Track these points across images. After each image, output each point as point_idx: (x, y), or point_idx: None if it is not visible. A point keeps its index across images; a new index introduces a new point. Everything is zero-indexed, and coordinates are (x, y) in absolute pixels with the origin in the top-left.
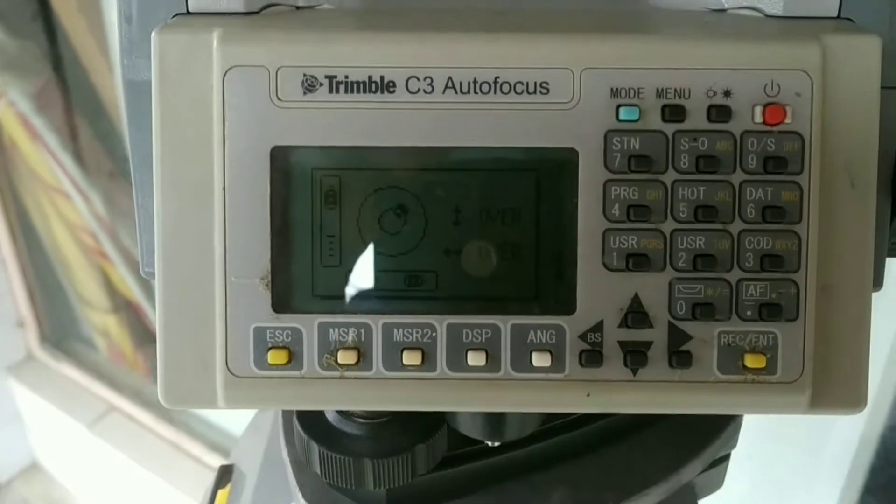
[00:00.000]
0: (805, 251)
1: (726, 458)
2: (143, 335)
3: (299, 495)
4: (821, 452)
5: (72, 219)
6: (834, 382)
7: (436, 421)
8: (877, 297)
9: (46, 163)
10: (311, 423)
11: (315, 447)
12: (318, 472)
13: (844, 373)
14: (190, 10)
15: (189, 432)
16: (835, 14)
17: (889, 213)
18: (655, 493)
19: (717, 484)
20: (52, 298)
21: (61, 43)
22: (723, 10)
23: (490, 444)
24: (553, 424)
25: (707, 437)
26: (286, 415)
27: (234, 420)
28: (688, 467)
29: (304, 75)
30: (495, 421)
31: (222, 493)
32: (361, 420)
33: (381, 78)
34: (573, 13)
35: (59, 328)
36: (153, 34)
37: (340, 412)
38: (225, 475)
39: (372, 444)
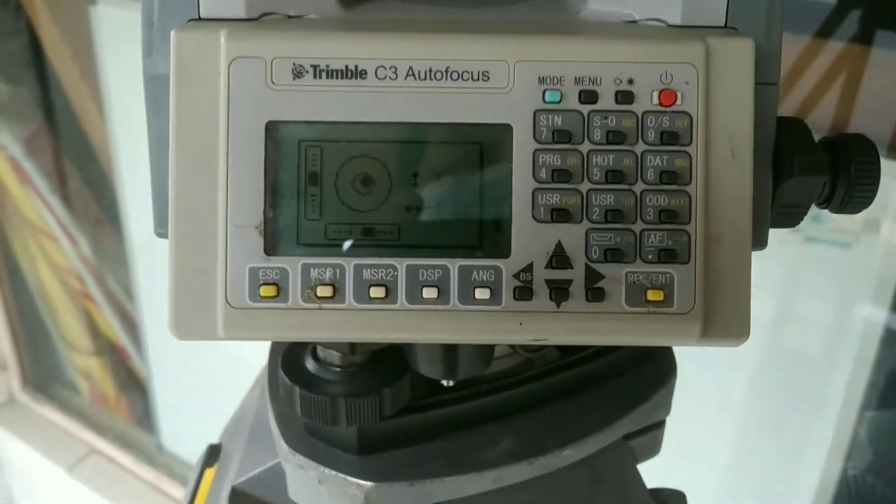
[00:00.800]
0: (695, 207)
1: (661, 423)
2: (126, 379)
3: (282, 442)
4: None
5: (58, 261)
6: (721, 317)
7: (401, 369)
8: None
9: (35, 206)
10: (294, 372)
11: (297, 391)
12: (300, 412)
13: (730, 309)
14: (201, 16)
15: (170, 474)
16: (722, 24)
17: (771, 184)
18: (590, 442)
19: (654, 450)
20: (36, 341)
21: (53, 90)
22: (634, 22)
23: (446, 384)
24: (505, 381)
25: (638, 399)
26: (272, 378)
27: None
28: (621, 422)
29: (294, 64)
30: (449, 360)
31: (209, 472)
32: (337, 368)
33: (356, 67)
34: (511, 22)
35: (41, 371)
36: (172, 33)
37: (318, 362)
38: (212, 455)
39: (346, 387)
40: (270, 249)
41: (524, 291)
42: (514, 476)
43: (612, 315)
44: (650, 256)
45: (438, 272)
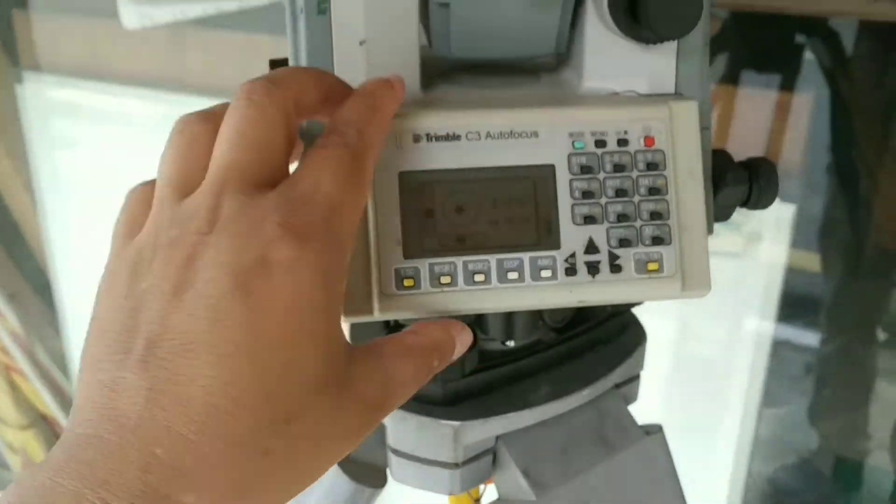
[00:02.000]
0: (672, 209)
1: (638, 376)
2: None
3: None
4: None
5: None
6: (692, 278)
7: (473, 342)
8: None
9: None
10: None
11: None
12: None
13: (697, 272)
14: None
15: None
16: (673, 91)
17: (712, 192)
18: (598, 386)
19: (634, 397)
20: None
21: None
22: (617, 94)
23: (507, 344)
24: (537, 348)
25: (624, 355)
26: None
27: None
28: (615, 372)
29: (412, 133)
30: (508, 326)
31: None
32: None
33: (454, 133)
34: (538, 96)
35: None
36: None
37: None
38: None
39: None
40: (407, 256)
41: (571, 270)
42: (550, 411)
43: (627, 280)
44: (647, 242)
45: (517, 262)
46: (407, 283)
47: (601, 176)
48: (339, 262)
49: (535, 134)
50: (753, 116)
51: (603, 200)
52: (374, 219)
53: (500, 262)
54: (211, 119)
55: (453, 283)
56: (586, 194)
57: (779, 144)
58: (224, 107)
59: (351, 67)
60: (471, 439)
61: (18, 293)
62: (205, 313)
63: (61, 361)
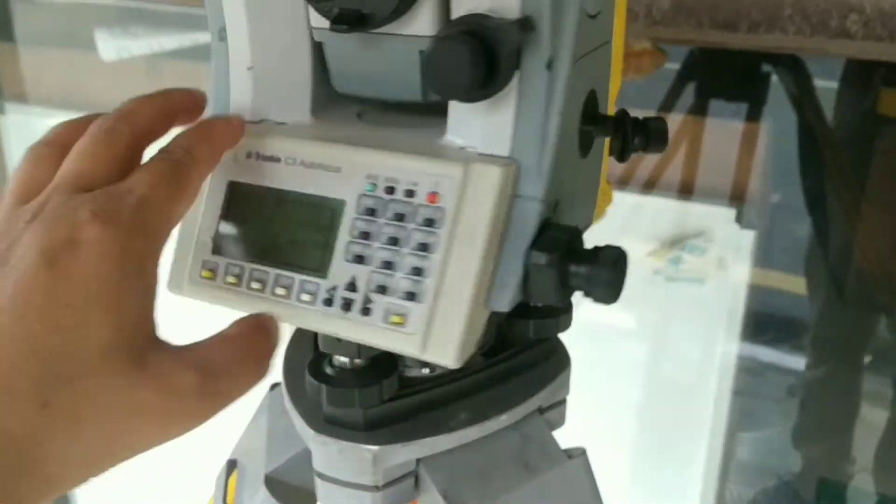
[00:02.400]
0: (435, 270)
1: (563, 401)
2: None
3: (307, 429)
4: None
5: None
6: (435, 343)
7: (392, 368)
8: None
9: None
10: (319, 375)
11: (324, 388)
12: (326, 402)
13: (442, 338)
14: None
15: None
16: (506, 154)
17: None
18: (517, 411)
19: (560, 422)
20: None
21: None
22: (462, 148)
23: (424, 372)
24: (459, 374)
25: (547, 380)
26: (292, 388)
27: None
28: (537, 396)
29: (247, 151)
30: None
31: (232, 479)
32: (348, 369)
33: (272, 155)
34: (383, 137)
35: None
36: None
37: (333, 367)
38: (231, 467)
39: (357, 381)
40: (213, 251)
41: (328, 301)
42: (470, 436)
43: (372, 326)
44: (400, 294)
45: (289, 280)
46: (206, 274)
47: (381, 221)
48: (143, 248)
49: (339, 169)
50: (720, 146)
51: (375, 244)
52: (202, 217)
53: (277, 276)
54: (55, 144)
55: (239, 284)
56: (363, 235)
57: (745, 172)
58: (65, 133)
59: (242, 91)
60: (390, 462)
61: None
62: (10, 282)
63: None
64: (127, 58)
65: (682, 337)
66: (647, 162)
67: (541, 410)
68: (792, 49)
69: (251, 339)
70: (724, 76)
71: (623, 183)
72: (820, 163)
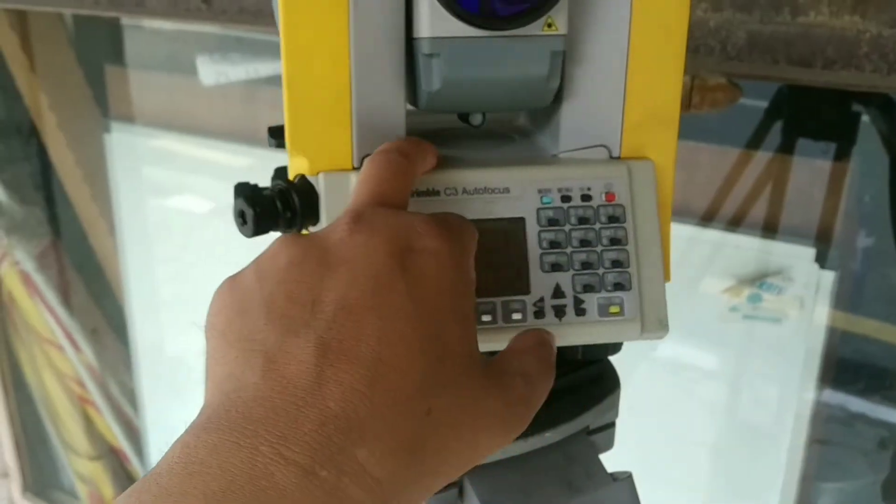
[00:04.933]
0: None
1: (612, 424)
2: (126, 482)
3: None
4: None
5: (63, 369)
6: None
7: None
8: None
9: (42, 316)
10: None
11: None
12: None
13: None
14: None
15: None
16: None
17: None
18: (563, 429)
19: (608, 445)
20: (37, 449)
21: (63, 209)
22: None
23: None
24: None
25: (595, 401)
26: None
27: None
28: (583, 416)
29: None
30: None
31: None
32: None
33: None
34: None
35: (41, 478)
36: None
37: None
38: None
39: None
40: None
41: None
42: (514, 450)
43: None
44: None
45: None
46: None
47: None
48: (468, 263)
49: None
50: (806, 185)
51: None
52: None
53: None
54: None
55: None
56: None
57: (831, 213)
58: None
59: None
60: None
61: (98, 329)
62: (365, 282)
63: (131, 396)
64: (225, 83)
65: (759, 377)
66: (731, 200)
67: (588, 432)
68: (868, 87)
69: (542, 349)
70: (813, 115)
71: (707, 219)
72: None
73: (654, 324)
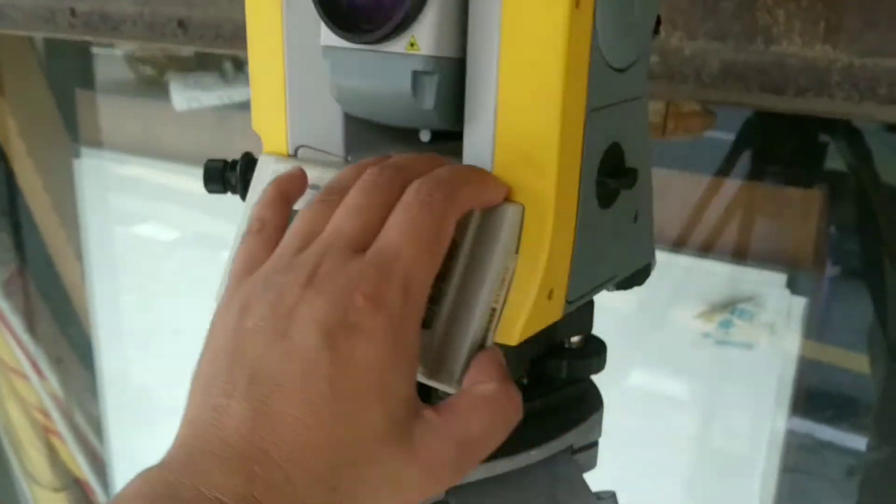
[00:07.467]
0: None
1: (595, 443)
2: None
3: None
4: None
5: (27, 398)
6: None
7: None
8: None
9: (8, 345)
10: None
11: None
12: None
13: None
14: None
15: None
16: None
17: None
18: (547, 448)
19: (591, 464)
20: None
21: (28, 235)
22: None
23: None
24: None
25: (579, 420)
26: None
27: None
28: (568, 435)
29: None
30: None
31: None
32: None
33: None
34: None
35: None
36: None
37: None
38: None
39: None
40: None
41: None
42: (499, 468)
43: None
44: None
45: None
46: None
47: None
48: (410, 328)
49: None
50: (775, 212)
51: None
52: None
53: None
54: (337, 192)
55: None
56: None
57: (800, 240)
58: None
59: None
60: None
61: (63, 358)
62: (298, 362)
63: (97, 426)
64: (197, 108)
65: (731, 404)
66: (702, 226)
67: (572, 451)
68: (840, 114)
69: (502, 404)
70: (781, 144)
71: (678, 245)
72: (878, 235)
73: (444, 374)
